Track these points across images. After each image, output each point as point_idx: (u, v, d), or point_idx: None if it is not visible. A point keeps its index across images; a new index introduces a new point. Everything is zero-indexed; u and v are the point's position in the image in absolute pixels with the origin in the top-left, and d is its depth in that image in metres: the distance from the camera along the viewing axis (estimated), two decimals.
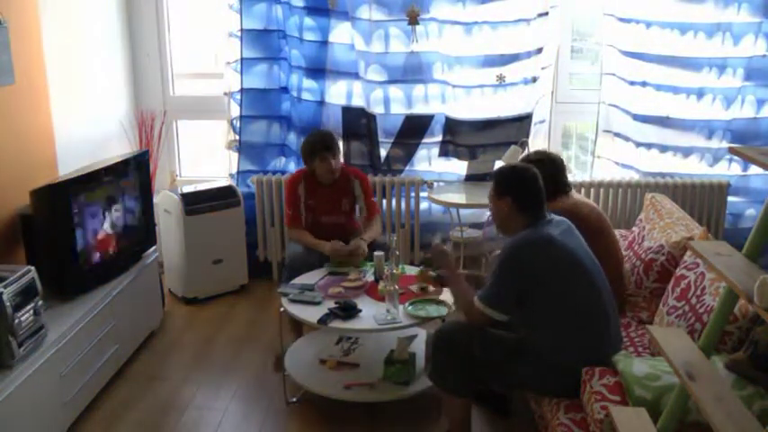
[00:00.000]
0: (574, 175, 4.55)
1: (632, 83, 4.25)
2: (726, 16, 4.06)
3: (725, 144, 4.29)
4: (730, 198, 4.38)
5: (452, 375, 2.66)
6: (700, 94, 4.21)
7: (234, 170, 4.66)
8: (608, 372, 2.42)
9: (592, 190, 4.40)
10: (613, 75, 4.30)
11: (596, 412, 2.26)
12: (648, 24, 4.12)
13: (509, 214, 2.67)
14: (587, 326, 2.55)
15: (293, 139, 4.62)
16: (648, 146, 4.35)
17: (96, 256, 3.39)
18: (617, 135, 4.39)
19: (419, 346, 3.32)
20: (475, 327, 2.65)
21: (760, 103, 4.21)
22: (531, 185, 2.67)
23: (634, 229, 3.59)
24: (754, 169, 4.33)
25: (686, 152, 4.35)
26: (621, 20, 4.17)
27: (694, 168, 4.36)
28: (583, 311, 2.56)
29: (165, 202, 4.35)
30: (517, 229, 2.65)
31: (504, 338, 2.63)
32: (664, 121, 4.28)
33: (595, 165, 4.52)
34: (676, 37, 4.12)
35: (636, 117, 4.30)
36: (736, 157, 4.36)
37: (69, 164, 3.69)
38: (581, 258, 2.60)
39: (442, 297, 3.19)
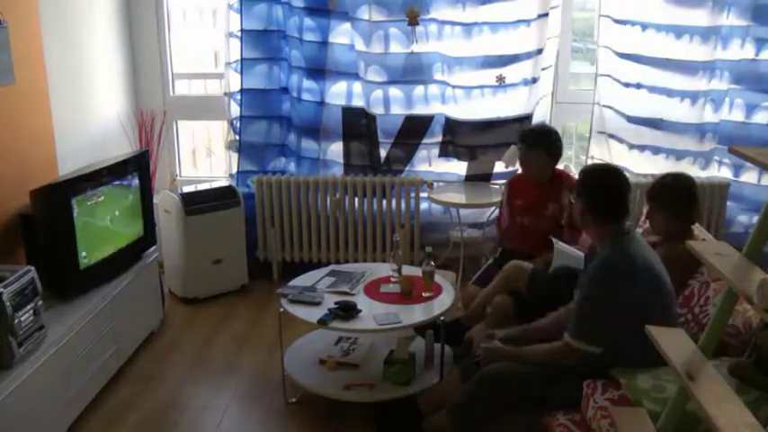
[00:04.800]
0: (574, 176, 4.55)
1: (627, 84, 4.25)
2: (721, 21, 4.06)
3: (715, 146, 4.29)
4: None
5: (487, 422, 2.57)
6: (694, 97, 4.20)
7: (234, 170, 4.66)
8: (610, 385, 2.36)
9: None
10: (608, 76, 4.30)
11: (604, 430, 2.21)
12: (644, 27, 4.12)
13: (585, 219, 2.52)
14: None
15: (293, 140, 4.63)
16: (642, 148, 4.35)
17: (96, 255, 3.38)
18: (611, 136, 4.39)
19: (419, 346, 3.32)
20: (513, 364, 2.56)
21: (749, 108, 4.21)
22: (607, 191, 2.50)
23: (638, 230, 3.58)
24: (747, 176, 4.33)
25: (679, 155, 4.35)
26: (617, 21, 4.17)
27: (686, 172, 4.35)
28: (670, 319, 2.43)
29: (165, 202, 4.35)
30: (597, 237, 2.52)
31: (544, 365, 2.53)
32: (657, 124, 4.28)
33: None
34: (672, 40, 4.11)
35: (630, 119, 4.30)
36: (726, 162, 4.37)
37: (69, 164, 3.69)
38: (663, 273, 2.47)
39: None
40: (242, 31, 4.39)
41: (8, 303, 2.60)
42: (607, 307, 2.41)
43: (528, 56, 4.24)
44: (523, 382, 2.53)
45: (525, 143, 3.61)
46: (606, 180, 2.56)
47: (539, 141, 3.58)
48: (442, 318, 3.10)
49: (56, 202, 3.14)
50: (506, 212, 3.76)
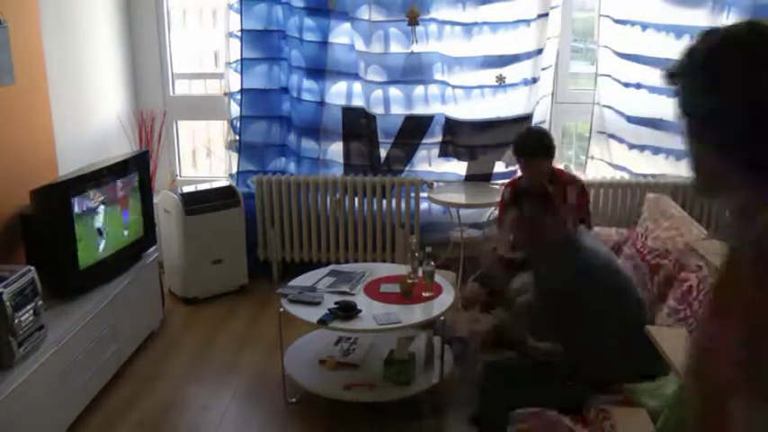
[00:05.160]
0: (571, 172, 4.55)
1: (627, 84, 4.25)
2: (721, 21, 4.07)
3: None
4: None
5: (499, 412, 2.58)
6: None
7: (234, 170, 4.66)
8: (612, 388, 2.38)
9: (592, 190, 4.40)
10: (608, 76, 4.30)
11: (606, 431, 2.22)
12: (644, 27, 4.12)
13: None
14: (636, 334, 2.36)
15: (293, 140, 4.63)
16: (642, 148, 4.35)
17: (96, 255, 3.38)
18: (611, 136, 4.39)
19: (419, 346, 3.32)
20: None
21: None
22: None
23: (638, 228, 3.58)
24: None
25: (679, 155, 4.35)
26: (617, 21, 4.17)
27: (686, 172, 4.36)
28: (630, 318, 2.46)
29: (165, 202, 4.35)
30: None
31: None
32: (657, 124, 4.28)
33: (589, 165, 4.52)
34: (672, 40, 4.12)
35: (630, 119, 4.30)
36: None
37: (69, 164, 3.69)
38: (618, 264, 2.59)
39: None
40: (242, 31, 4.40)
41: (8, 303, 2.60)
42: (552, 300, 2.50)
43: (528, 56, 4.24)
44: (523, 377, 2.56)
45: (525, 154, 3.47)
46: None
47: (538, 148, 3.45)
48: (442, 318, 3.10)
49: (56, 202, 3.14)
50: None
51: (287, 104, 4.60)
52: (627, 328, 2.40)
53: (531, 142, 3.45)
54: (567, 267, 2.50)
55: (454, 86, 4.31)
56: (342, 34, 4.37)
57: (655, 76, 4.19)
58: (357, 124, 4.50)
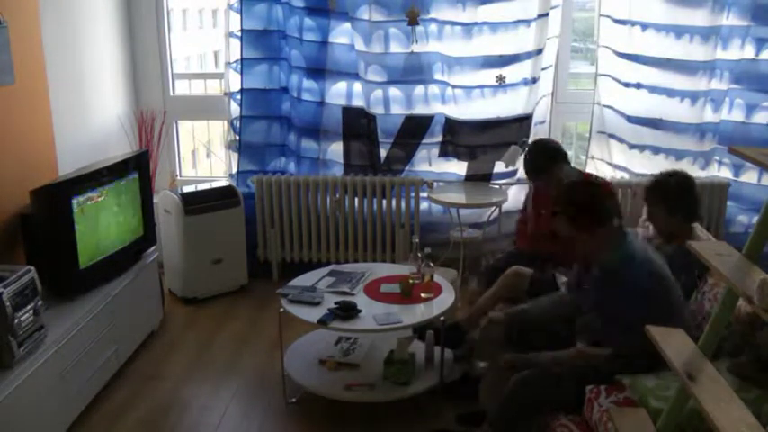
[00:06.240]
0: None
1: (627, 84, 4.25)
2: (721, 21, 4.07)
3: (715, 146, 4.30)
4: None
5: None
6: (694, 97, 4.20)
7: (234, 170, 4.66)
8: (613, 389, 2.35)
9: None
10: (608, 76, 4.30)
11: None
12: (644, 27, 4.12)
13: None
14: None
15: (293, 140, 4.63)
16: (642, 148, 4.35)
17: (96, 256, 3.38)
18: (611, 136, 4.39)
19: (419, 346, 3.32)
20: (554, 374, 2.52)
21: (749, 108, 4.21)
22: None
23: (639, 229, 3.58)
24: (747, 176, 4.33)
25: (679, 155, 4.35)
26: (617, 21, 4.17)
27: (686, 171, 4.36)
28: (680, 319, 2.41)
29: (165, 202, 4.35)
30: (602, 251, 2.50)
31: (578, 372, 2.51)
32: (657, 124, 4.28)
33: (589, 165, 4.52)
34: (672, 40, 4.12)
35: (630, 119, 4.30)
36: (726, 162, 4.37)
37: (69, 164, 3.69)
38: (662, 265, 2.50)
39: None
40: (242, 31, 4.40)
41: (8, 303, 2.60)
42: (613, 309, 2.42)
43: (528, 56, 4.24)
44: (553, 385, 2.52)
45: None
46: (595, 190, 2.55)
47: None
48: (442, 318, 3.10)
49: (56, 202, 3.14)
50: (534, 217, 3.67)
51: (287, 104, 4.60)
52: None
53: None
54: (626, 260, 2.43)
55: (454, 86, 4.31)
56: (342, 34, 4.36)
57: (655, 76, 4.20)
58: (357, 124, 4.50)
